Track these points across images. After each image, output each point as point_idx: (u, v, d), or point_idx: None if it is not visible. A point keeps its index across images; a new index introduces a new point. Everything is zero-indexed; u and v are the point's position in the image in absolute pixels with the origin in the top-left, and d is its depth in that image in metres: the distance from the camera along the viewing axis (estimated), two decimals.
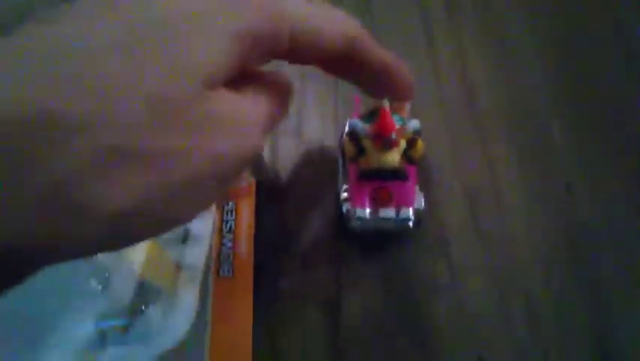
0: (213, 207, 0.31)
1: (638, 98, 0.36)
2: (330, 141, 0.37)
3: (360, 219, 0.30)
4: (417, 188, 0.31)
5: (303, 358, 0.28)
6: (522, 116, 0.36)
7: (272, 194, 0.34)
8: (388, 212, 0.30)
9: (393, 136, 0.28)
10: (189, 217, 0.18)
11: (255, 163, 0.34)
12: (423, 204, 0.30)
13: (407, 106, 0.31)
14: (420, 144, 0.29)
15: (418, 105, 0.35)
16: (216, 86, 0.17)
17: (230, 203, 0.32)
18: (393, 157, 0.28)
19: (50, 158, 0.13)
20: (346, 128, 0.30)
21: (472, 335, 0.28)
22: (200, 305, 0.27)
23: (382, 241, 0.31)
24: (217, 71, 0.16)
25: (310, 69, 0.22)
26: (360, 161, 0.30)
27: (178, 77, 0.15)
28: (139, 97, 0.15)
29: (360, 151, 0.29)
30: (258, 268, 0.30)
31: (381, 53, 0.22)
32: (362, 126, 0.29)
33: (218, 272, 0.30)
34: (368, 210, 0.30)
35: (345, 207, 0.31)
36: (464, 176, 0.34)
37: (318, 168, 0.36)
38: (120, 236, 0.16)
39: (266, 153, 0.36)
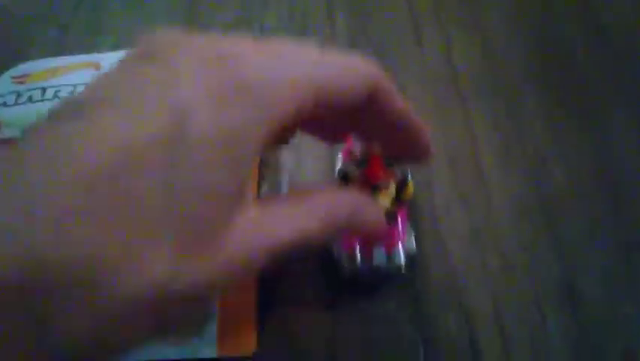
0: None
1: (606, 68, 0.40)
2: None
3: (349, 263, 0.30)
4: (407, 227, 0.31)
5: (302, 317, 0.31)
6: (499, 88, 0.40)
7: None
8: (379, 254, 0.30)
9: (383, 184, 0.28)
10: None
11: None
12: (414, 244, 0.30)
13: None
14: (410, 187, 0.30)
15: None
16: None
17: None
18: (383, 202, 0.28)
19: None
20: (337, 168, 0.32)
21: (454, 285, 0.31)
22: None
23: None
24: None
25: None
26: None
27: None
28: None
29: None
30: None
31: (403, 102, 0.21)
32: (352, 170, 0.29)
33: None
34: (358, 255, 0.30)
35: (336, 249, 0.31)
36: (448, 146, 0.37)
37: None
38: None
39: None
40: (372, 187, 0.27)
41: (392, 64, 0.43)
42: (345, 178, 0.29)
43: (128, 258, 0.14)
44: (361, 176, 0.28)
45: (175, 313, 0.16)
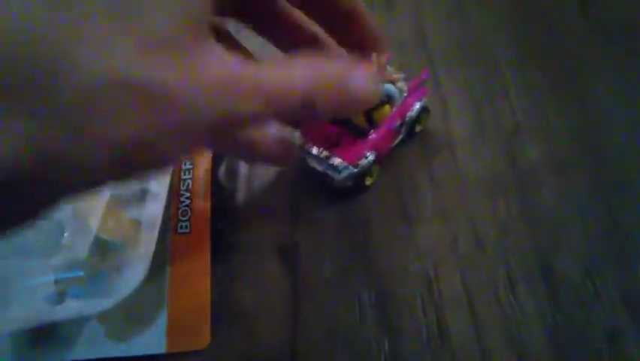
0: (170, 168, 0.32)
1: (587, 36, 0.37)
2: None
3: (304, 151, 0.31)
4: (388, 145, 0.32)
5: (262, 305, 0.29)
6: (475, 58, 0.37)
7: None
8: (335, 159, 0.30)
9: None
10: (183, 154, 0.18)
11: None
12: (369, 162, 0.30)
13: (398, 75, 0.31)
14: (385, 109, 0.30)
15: None
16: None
17: (188, 162, 0.33)
18: None
19: (55, 87, 0.13)
20: None
21: (423, 259, 0.29)
22: (159, 260, 0.29)
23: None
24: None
25: None
26: None
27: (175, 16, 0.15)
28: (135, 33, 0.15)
29: None
30: (215, 223, 0.31)
31: None
32: None
33: (176, 229, 0.31)
34: (314, 149, 0.31)
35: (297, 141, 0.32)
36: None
37: None
38: (118, 165, 0.16)
39: None
40: None
41: None
42: None
43: (85, 44, 0.14)
44: None
45: (138, 122, 0.15)
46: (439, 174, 0.32)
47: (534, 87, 0.36)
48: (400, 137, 0.33)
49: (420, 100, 0.33)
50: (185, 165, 0.33)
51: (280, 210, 0.33)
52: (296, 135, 0.31)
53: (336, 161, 0.30)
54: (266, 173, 0.34)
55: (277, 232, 0.32)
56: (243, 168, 0.35)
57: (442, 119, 0.35)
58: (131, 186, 0.31)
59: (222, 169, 0.35)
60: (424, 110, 0.33)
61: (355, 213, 0.32)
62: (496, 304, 0.28)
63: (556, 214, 0.30)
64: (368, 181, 0.32)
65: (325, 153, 0.30)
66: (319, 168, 0.31)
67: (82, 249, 0.27)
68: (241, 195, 0.33)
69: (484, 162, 0.33)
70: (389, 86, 0.30)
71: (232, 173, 0.35)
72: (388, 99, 0.30)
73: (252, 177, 0.34)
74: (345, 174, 0.30)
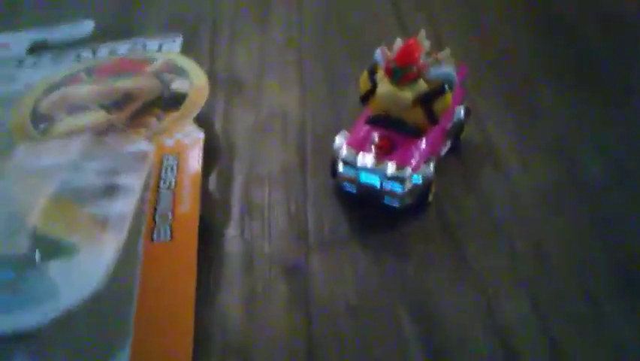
0: (149, 158, 0.25)
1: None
2: (291, 105, 0.32)
3: (346, 162, 0.24)
4: (438, 150, 0.26)
5: (264, 340, 0.21)
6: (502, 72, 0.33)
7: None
8: (384, 165, 0.24)
9: (413, 69, 0.23)
10: None
11: None
12: (431, 171, 0.24)
13: (445, 51, 0.24)
14: (447, 97, 0.24)
15: None
16: None
17: (171, 157, 0.26)
18: (405, 93, 0.23)
19: None
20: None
21: (475, 279, 0.22)
22: (126, 272, 0.20)
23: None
24: None
25: None
26: (372, 102, 0.25)
27: None
28: None
29: (373, 89, 0.24)
30: (204, 232, 0.24)
31: None
32: (384, 57, 0.24)
33: (151, 236, 0.23)
34: (359, 155, 0.24)
35: (336, 147, 0.25)
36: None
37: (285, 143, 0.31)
38: None
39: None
40: (394, 70, 0.23)
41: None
42: (372, 69, 0.25)
43: None
44: (389, 59, 0.24)
45: None
46: (488, 189, 0.26)
47: (572, 99, 0.31)
48: (448, 146, 0.27)
49: (461, 102, 0.27)
50: (167, 159, 0.26)
51: (289, 220, 0.25)
52: (341, 146, 0.25)
53: (396, 171, 0.24)
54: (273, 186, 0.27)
55: (284, 247, 0.24)
56: (241, 174, 0.28)
57: (477, 130, 0.30)
58: (92, 178, 0.23)
59: (214, 175, 0.28)
60: (468, 112, 0.28)
61: (385, 228, 0.25)
62: (575, 325, 0.21)
63: (628, 224, 0.24)
64: (430, 196, 0.25)
65: (380, 164, 0.24)
66: (376, 184, 0.24)
67: (10, 240, 0.19)
68: (236, 206, 0.26)
69: (538, 176, 0.27)
70: (447, 69, 0.24)
71: (226, 180, 0.28)
72: (449, 85, 0.24)
73: (251, 188, 0.27)
74: (409, 186, 0.24)
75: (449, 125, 0.26)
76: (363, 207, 0.26)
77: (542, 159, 0.28)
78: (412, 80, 0.23)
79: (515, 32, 0.37)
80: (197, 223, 0.23)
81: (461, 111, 0.27)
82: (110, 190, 0.23)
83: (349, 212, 0.26)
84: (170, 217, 0.23)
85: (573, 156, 0.28)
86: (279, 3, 0.42)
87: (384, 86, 0.23)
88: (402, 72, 0.23)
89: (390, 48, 0.24)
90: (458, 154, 0.28)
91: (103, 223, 0.22)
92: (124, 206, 0.22)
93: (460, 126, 0.28)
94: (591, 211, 0.25)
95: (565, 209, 0.25)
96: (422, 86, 0.23)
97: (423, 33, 0.24)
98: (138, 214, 0.23)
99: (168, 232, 0.23)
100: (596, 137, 0.29)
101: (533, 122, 0.30)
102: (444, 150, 0.27)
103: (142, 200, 0.23)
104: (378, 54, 0.24)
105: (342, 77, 0.34)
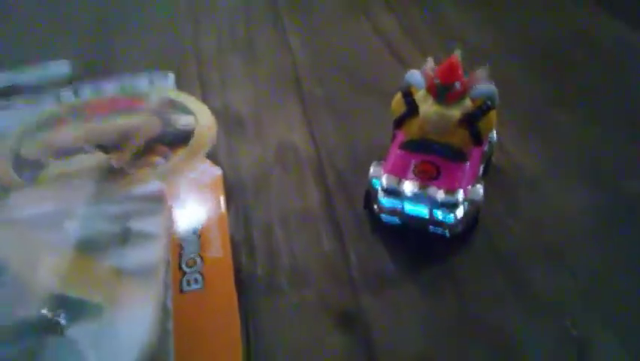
0: (164, 200, 0.22)
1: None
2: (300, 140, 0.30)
3: (388, 191, 0.22)
4: (478, 173, 0.24)
5: None
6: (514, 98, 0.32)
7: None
8: (431, 190, 0.22)
9: (457, 86, 0.21)
10: None
11: None
12: (481, 194, 0.23)
13: (483, 69, 0.23)
14: (492, 116, 0.22)
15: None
16: None
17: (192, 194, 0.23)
18: (452, 112, 0.22)
19: None
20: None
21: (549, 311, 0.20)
22: (159, 323, 0.17)
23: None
24: None
25: None
26: (408, 125, 0.23)
27: None
28: None
29: (411, 111, 0.23)
30: (241, 277, 0.21)
31: None
32: (421, 79, 0.23)
33: (180, 286, 0.20)
34: (402, 182, 0.22)
35: (372, 175, 0.23)
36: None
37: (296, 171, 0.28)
38: None
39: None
40: (439, 88, 0.22)
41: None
42: (407, 92, 0.23)
43: None
44: (431, 77, 0.22)
45: None
46: (531, 212, 0.25)
47: (587, 121, 0.31)
48: (481, 169, 0.26)
49: None
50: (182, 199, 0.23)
51: (325, 261, 0.23)
52: (379, 174, 0.23)
53: (447, 196, 0.22)
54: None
55: (328, 292, 0.22)
56: (260, 213, 0.25)
57: (500, 154, 0.28)
58: (105, 225, 0.20)
59: (231, 215, 0.25)
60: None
61: (435, 260, 0.23)
62: None
63: None
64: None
65: (426, 190, 0.22)
66: (424, 214, 0.22)
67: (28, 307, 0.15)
68: (262, 249, 0.23)
69: (579, 197, 0.26)
70: (490, 86, 0.23)
71: (245, 220, 0.25)
72: (492, 103, 0.23)
73: (274, 229, 0.25)
74: (461, 213, 0.22)
75: (486, 147, 0.25)
76: (407, 239, 0.23)
77: (578, 181, 0.27)
78: (458, 98, 0.22)
79: (511, 59, 0.37)
80: (231, 268, 0.20)
81: (494, 132, 0.26)
82: (127, 237, 0.20)
83: (392, 246, 0.23)
84: (198, 263, 0.20)
85: (608, 175, 0.27)
86: (263, 36, 0.41)
87: (429, 106, 0.22)
88: (447, 90, 0.21)
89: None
90: (490, 177, 0.27)
91: (127, 276, 0.18)
92: (146, 254, 0.19)
93: (492, 148, 0.26)
94: None
95: (615, 228, 0.24)
96: (468, 104, 0.22)
97: (459, 52, 0.23)
98: (163, 263, 0.19)
99: (200, 280, 0.20)
100: (629, 155, 0.28)
101: (557, 145, 0.29)
102: (480, 173, 0.25)
103: (165, 247, 0.20)
104: (414, 75, 0.23)
105: (345, 108, 0.33)
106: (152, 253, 0.19)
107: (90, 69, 0.36)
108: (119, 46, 0.40)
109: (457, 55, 0.23)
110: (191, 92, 0.33)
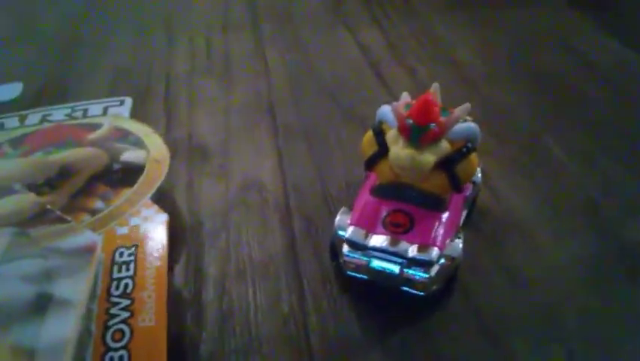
0: (96, 255, 0.19)
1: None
2: (267, 176, 0.27)
3: (354, 245, 0.19)
4: (459, 222, 0.21)
5: None
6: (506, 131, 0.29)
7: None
8: (402, 246, 0.19)
9: (432, 126, 0.18)
10: None
11: None
12: (460, 250, 0.20)
13: (464, 106, 0.20)
14: (473, 159, 0.20)
15: None
16: None
17: (126, 251, 0.20)
18: (426, 156, 0.19)
19: None
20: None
21: None
22: None
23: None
24: None
25: None
26: (380, 167, 0.20)
27: None
28: None
29: (382, 152, 0.20)
30: (170, 347, 0.18)
31: None
32: (393, 117, 0.20)
33: None
34: (370, 236, 0.19)
35: (338, 225, 0.21)
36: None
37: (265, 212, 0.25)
38: None
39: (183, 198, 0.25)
40: (413, 129, 0.19)
41: None
42: (378, 130, 0.20)
43: None
44: (403, 116, 0.19)
45: None
46: (518, 263, 0.22)
47: (584, 153, 0.28)
48: (464, 214, 0.23)
49: None
50: (120, 254, 0.20)
51: (283, 325, 0.20)
52: (344, 225, 0.20)
53: (419, 253, 0.19)
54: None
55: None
56: (215, 265, 0.22)
57: (488, 192, 0.25)
58: (16, 287, 0.17)
59: (180, 267, 0.22)
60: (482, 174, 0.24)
61: (406, 324, 0.20)
62: None
63: None
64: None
65: (397, 245, 0.19)
66: (394, 271, 0.19)
67: None
68: (212, 309, 0.20)
69: (575, 244, 0.23)
70: (470, 124, 0.20)
71: (196, 274, 0.22)
72: (473, 144, 0.20)
73: (229, 284, 0.22)
74: (435, 270, 0.19)
75: (469, 192, 0.22)
76: (376, 297, 0.20)
77: (574, 224, 0.24)
78: (433, 139, 0.19)
79: (502, 82, 0.34)
80: (165, 343, 0.17)
81: (478, 173, 0.23)
82: (42, 304, 0.17)
83: (359, 306, 0.20)
84: (127, 335, 0.17)
85: (608, 217, 0.24)
86: (240, 54, 0.38)
87: (399, 149, 0.19)
88: (421, 131, 0.19)
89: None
90: (475, 222, 0.24)
91: (32, 355, 0.15)
92: (60, 327, 0.16)
93: (476, 190, 0.23)
94: None
95: (613, 283, 0.21)
96: (445, 146, 0.19)
97: (436, 86, 0.20)
98: (82, 337, 0.16)
99: (125, 358, 0.17)
100: (630, 195, 0.25)
101: (551, 182, 0.26)
102: (462, 219, 0.23)
103: (87, 315, 0.17)
104: (385, 111, 0.20)
105: (321, 138, 0.30)
106: (64, 327, 0.16)
107: (44, 93, 0.33)
108: (83, 65, 0.37)
109: (434, 90, 0.20)
110: (155, 119, 0.31)
